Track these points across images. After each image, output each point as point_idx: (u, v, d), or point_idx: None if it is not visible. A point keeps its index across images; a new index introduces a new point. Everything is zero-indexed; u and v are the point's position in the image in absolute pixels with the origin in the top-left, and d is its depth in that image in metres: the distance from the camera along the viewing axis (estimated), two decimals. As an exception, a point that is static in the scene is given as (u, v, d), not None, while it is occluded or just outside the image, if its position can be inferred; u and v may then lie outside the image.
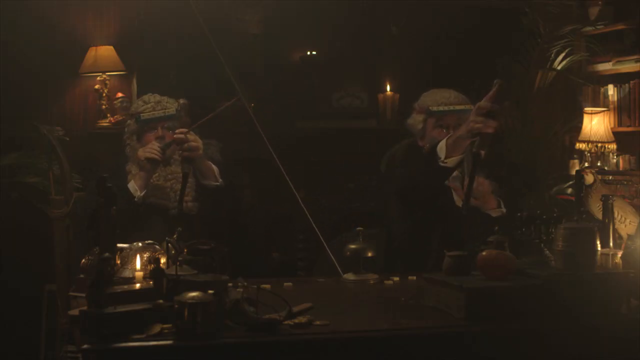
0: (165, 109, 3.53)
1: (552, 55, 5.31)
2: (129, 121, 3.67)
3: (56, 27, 4.57)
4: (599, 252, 2.46)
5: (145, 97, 3.59)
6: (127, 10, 4.69)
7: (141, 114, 3.50)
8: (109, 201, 2.53)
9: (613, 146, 5.08)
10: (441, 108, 3.45)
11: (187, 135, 3.32)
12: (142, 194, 3.39)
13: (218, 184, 3.46)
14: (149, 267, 2.53)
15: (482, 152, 2.76)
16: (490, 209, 3.33)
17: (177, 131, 3.34)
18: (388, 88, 5.47)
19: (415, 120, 3.53)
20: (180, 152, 3.35)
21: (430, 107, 3.47)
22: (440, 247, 3.34)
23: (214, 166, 3.47)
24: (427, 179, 3.26)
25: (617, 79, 5.29)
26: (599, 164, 5.09)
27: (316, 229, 3.25)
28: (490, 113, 2.77)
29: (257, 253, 4.12)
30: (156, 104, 3.53)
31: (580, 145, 5.16)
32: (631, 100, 5.18)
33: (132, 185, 3.42)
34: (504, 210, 3.32)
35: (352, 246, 3.08)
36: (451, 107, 3.44)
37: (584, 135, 5.12)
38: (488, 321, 2.29)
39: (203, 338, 2.10)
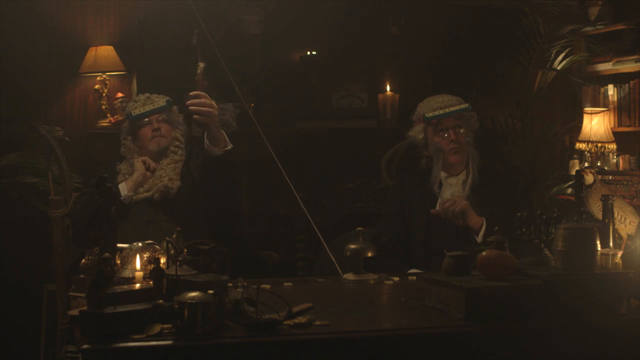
0: (154, 102, 3.60)
1: (552, 55, 5.31)
2: (123, 125, 3.72)
3: (56, 27, 4.57)
4: (599, 252, 2.46)
5: (135, 98, 3.74)
6: (127, 10, 4.69)
7: (132, 112, 3.57)
8: (108, 201, 2.53)
9: (613, 146, 5.08)
10: (436, 113, 3.49)
11: (203, 99, 3.32)
12: (129, 194, 3.45)
13: (229, 148, 3.46)
14: (149, 267, 2.54)
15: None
16: (476, 229, 3.37)
17: (190, 94, 3.35)
18: (388, 88, 5.47)
19: (416, 131, 3.57)
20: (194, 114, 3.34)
21: (426, 114, 3.50)
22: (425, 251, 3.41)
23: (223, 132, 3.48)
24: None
25: (617, 79, 5.28)
26: (599, 164, 5.08)
27: (316, 229, 3.25)
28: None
29: (256, 253, 4.11)
30: (146, 100, 3.63)
31: (580, 145, 5.16)
32: (631, 100, 5.18)
33: (123, 187, 3.46)
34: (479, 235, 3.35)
35: (352, 246, 3.08)
36: (446, 110, 3.48)
37: (584, 135, 5.12)
38: (488, 321, 2.29)
39: (203, 338, 2.10)
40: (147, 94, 3.67)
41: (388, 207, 3.61)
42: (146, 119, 3.58)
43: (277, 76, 5.45)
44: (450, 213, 3.35)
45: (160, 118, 3.61)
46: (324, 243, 3.25)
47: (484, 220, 3.35)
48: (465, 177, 3.48)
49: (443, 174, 3.51)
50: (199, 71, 3.37)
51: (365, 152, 5.06)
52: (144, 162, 3.51)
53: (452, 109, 3.49)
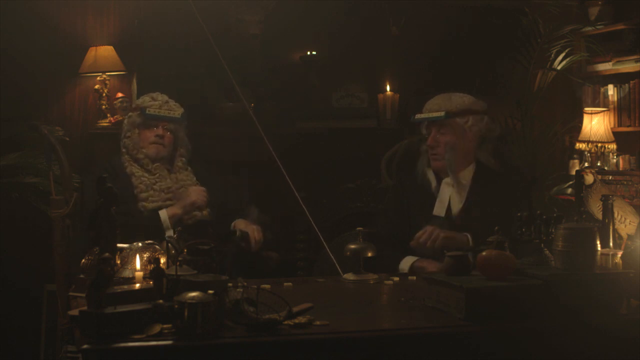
0: (171, 110, 3.60)
1: (552, 55, 5.31)
2: (130, 113, 3.71)
3: (56, 27, 4.57)
4: (599, 252, 2.46)
5: (154, 95, 3.67)
6: (127, 10, 4.69)
7: (147, 109, 3.55)
8: (108, 201, 2.53)
9: (613, 146, 5.07)
10: (423, 116, 3.49)
11: (256, 237, 3.44)
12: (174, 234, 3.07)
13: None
14: (149, 267, 2.54)
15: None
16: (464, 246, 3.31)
17: (253, 246, 3.41)
18: (388, 88, 5.47)
19: (422, 124, 3.56)
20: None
21: (416, 116, 3.52)
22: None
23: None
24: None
25: (617, 79, 5.28)
26: (599, 164, 5.08)
27: (316, 229, 3.25)
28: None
29: (257, 253, 4.11)
30: (163, 103, 3.62)
31: (580, 145, 5.15)
32: (631, 100, 5.18)
33: (164, 215, 3.48)
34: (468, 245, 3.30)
35: (352, 246, 3.08)
36: (427, 115, 3.48)
37: (584, 135, 5.12)
38: (488, 321, 2.29)
39: (203, 338, 2.11)
40: (166, 97, 3.66)
41: (387, 206, 3.61)
42: (154, 122, 3.60)
43: (277, 76, 5.46)
44: (431, 248, 3.25)
45: (166, 126, 3.61)
46: (324, 243, 3.25)
47: (469, 235, 3.31)
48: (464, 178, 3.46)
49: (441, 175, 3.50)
50: (238, 234, 3.40)
51: (365, 152, 5.06)
52: (200, 198, 3.50)
53: (430, 115, 3.48)
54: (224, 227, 3.54)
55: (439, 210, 3.43)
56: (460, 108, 3.46)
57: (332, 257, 3.16)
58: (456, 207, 3.42)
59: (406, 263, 3.35)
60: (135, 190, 3.51)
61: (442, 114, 3.44)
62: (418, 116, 3.52)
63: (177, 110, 3.63)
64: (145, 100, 3.65)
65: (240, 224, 3.53)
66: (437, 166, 3.47)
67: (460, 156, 3.46)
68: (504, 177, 3.57)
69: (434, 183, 3.49)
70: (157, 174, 3.58)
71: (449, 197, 3.43)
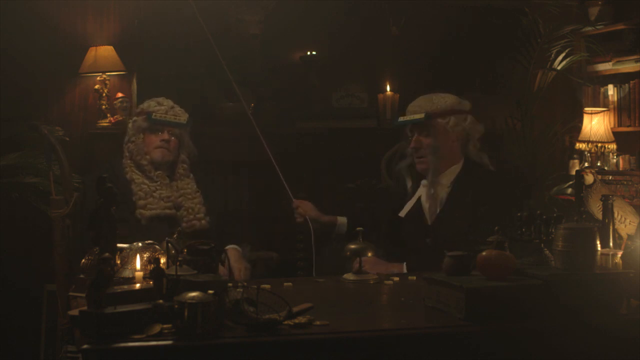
0: (177, 115, 3.59)
1: (552, 55, 5.31)
2: (135, 117, 3.69)
3: (56, 27, 4.56)
4: (599, 252, 2.46)
5: (160, 99, 3.66)
6: (127, 10, 4.69)
7: (153, 114, 3.54)
8: (108, 201, 2.53)
9: (613, 146, 5.08)
10: (404, 119, 3.50)
11: (242, 276, 3.32)
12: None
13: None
14: (149, 267, 2.54)
15: None
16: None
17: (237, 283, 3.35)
18: (388, 88, 5.47)
19: (407, 127, 3.56)
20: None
21: (399, 119, 3.53)
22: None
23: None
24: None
25: (617, 79, 5.28)
26: (599, 164, 5.08)
27: (312, 228, 3.26)
28: None
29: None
30: (169, 109, 3.60)
31: (580, 145, 5.16)
32: (631, 100, 5.18)
33: None
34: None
35: (352, 246, 3.08)
36: (410, 118, 3.48)
37: (584, 135, 5.12)
38: (488, 321, 2.29)
39: (203, 338, 2.11)
40: (171, 102, 3.65)
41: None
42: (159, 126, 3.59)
43: (277, 76, 5.46)
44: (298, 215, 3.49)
45: (172, 131, 3.59)
46: (313, 245, 3.26)
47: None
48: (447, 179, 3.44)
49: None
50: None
51: (365, 152, 5.06)
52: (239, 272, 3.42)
53: (411, 117, 3.47)
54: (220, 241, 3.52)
55: (404, 211, 3.43)
56: (442, 108, 3.44)
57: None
58: (430, 209, 3.40)
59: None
60: (134, 197, 3.48)
61: (422, 115, 3.43)
62: (401, 119, 3.50)
63: (182, 116, 3.61)
64: (151, 104, 3.63)
65: (232, 254, 3.38)
66: (422, 169, 3.44)
67: (444, 157, 3.43)
68: (496, 175, 3.51)
69: (409, 184, 3.48)
70: (159, 182, 3.55)
71: (418, 197, 3.42)
